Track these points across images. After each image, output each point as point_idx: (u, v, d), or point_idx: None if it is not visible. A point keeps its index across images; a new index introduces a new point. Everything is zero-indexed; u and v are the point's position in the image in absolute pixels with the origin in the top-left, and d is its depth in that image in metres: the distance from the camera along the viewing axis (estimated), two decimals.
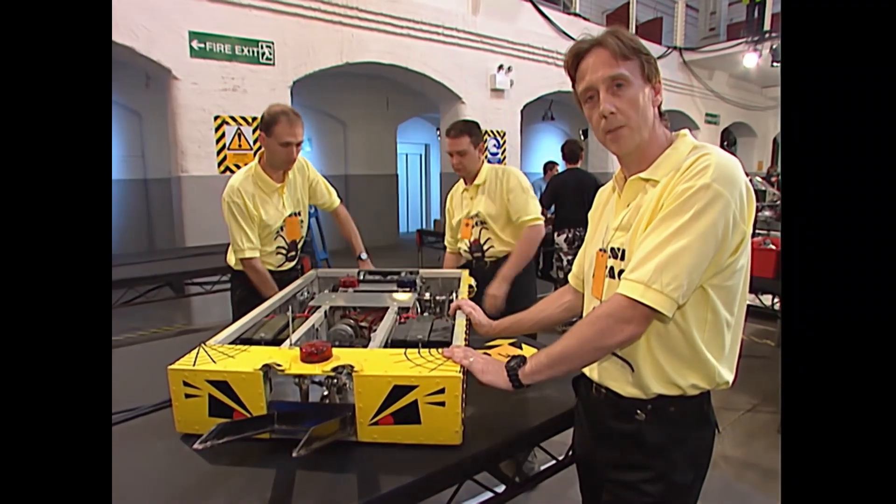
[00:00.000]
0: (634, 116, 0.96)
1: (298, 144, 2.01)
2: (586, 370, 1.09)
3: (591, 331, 0.95)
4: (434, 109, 7.41)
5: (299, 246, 2.26)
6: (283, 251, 2.20)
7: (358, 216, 8.74)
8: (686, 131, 1.03)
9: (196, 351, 1.16)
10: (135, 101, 6.57)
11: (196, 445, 0.84)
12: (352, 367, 1.04)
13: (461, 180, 2.33)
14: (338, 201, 2.45)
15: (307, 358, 1.08)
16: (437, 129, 9.28)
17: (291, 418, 1.07)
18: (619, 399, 1.02)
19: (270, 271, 2.14)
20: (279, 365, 1.06)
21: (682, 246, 0.87)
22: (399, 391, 1.02)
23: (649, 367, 0.98)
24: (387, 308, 1.53)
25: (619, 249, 1.00)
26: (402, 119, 9.50)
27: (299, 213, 2.22)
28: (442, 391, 1.02)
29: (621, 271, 0.97)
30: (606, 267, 1.03)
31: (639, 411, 0.99)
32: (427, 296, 1.73)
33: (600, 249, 1.06)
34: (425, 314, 1.65)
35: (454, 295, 1.72)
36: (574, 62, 1.00)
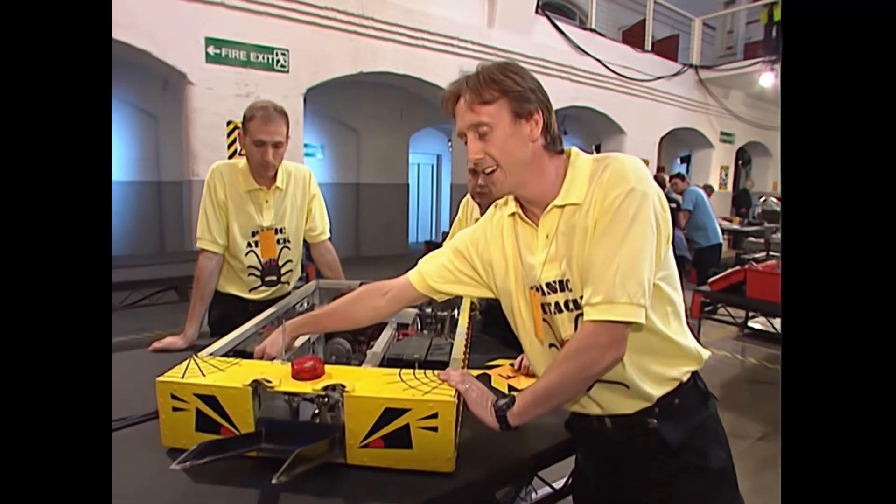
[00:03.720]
0: (504, 158, 0.97)
1: (276, 146, 1.74)
2: (582, 407, 1.05)
3: (572, 366, 0.93)
4: (447, 120, 7.40)
5: (282, 271, 1.96)
6: (257, 272, 1.90)
7: (368, 224, 8.71)
8: (573, 148, 1.04)
9: (187, 362, 1.14)
10: (151, 104, 6.65)
11: (174, 465, 0.81)
12: (343, 386, 1.00)
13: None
14: (327, 235, 2.10)
15: (298, 375, 1.05)
16: (449, 139, 9.30)
17: (280, 436, 1.03)
18: (629, 418, 1.00)
19: (241, 297, 1.91)
20: (269, 381, 1.03)
21: (632, 252, 0.89)
22: (391, 414, 0.98)
23: (642, 377, 0.98)
24: (385, 323, 1.49)
25: (557, 282, 0.99)
26: (415, 129, 9.53)
27: (282, 231, 1.91)
28: (435, 416, 0.98)
29: (573, 301, 0.98)
30: (546, 304, 1.02)
31: (649, 419, 0.99)
32: (429, 310, 1.69)
33: (532, 288, 1.03)
34: (424, 332, 1.61)
35: (456, 311, 1.68)
36: (450, 106, 1.02)
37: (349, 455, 1.02)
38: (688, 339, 1.02)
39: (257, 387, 1.03)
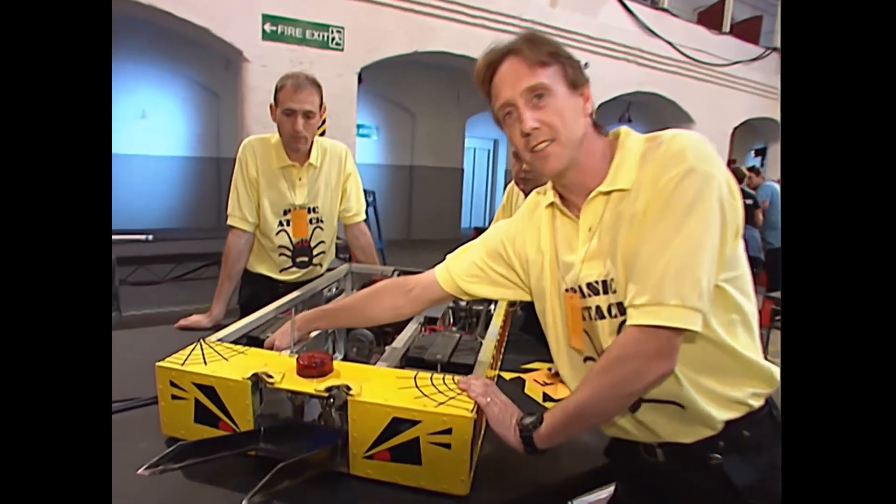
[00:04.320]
0: (562, 130, 0.82)
1: (307, 115, 1.62)
2: (626, 432, 0.89)
3: (610, 379, 0.78)
4: None
5: (314, 252, 1.87)
6: (288, 252, 1.82)
7: (421, 208, 8.66)
8: (623, 127, 0.88)
9: (192, 346, 1.06)
10: (214, 81, 6.79)
11: (141, 470, 0.72)
12: (348, 388, 0.89)
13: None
14: (363, 216, 1.99)
15: (303, 371, 0.95)
16: None
17: (280, 436, 0.94)
18: (686, 449, 0.84)
19: (271, 278, 1.83)
20: (270, 376, 0.93)
21: (688, 244, 0.74)
22: (398, 424, 0.87)
23: (701, 396, 0.81)
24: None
25: (599, 282, 0.84)
26: (472, 113, 9.33)
27: (314, 210, 1.83)
28: (448, 432, 0.85)
29: (617, 306, 0.82)
30: (585, 308, 0.87)
31: (712, 454, 0.82)
32: (462, 303, 1.56)
33: (568, 290, 0.88)
34: (453, 329, 1.48)
35: (493, 306, 1.54)
36: (487, 75, 0.86)
37: (352, 465, 0.91)
38: (759, 356, 0.85)
39: (258, 381, 0.94)
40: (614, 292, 0.83)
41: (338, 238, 2.00)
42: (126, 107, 6.46)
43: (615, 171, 0.84)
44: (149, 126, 6.67)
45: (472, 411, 0.86)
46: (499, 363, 1.22)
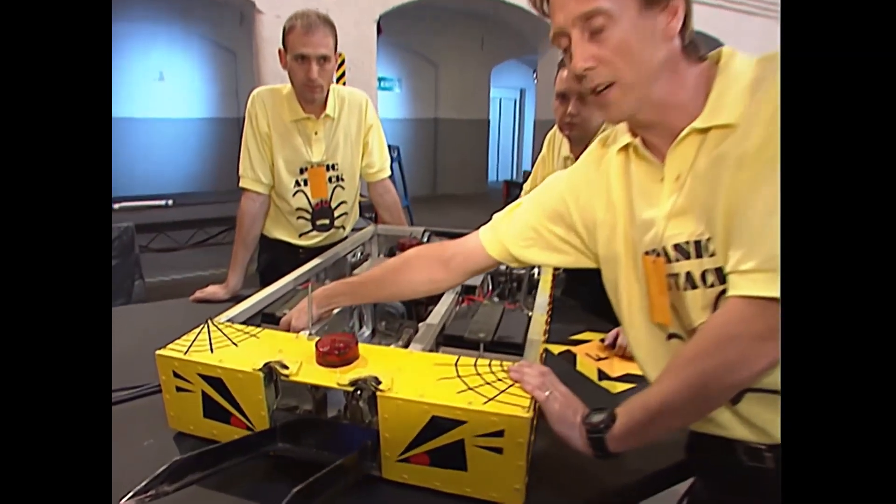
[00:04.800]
0: (626, 69, 0.65)
1: (322, 61, 1.43)
2: (724, 429, 0.71)
3: (708, 366, 0.61)
4: (532, 51, 6.79)
5: (335, 214, 1.70)
6: (307, 215, 1.66)
7: (446, 162, 8.45)
8: (726, 48, 0.68)
9: (199, 329, 0.92)
10: (229, 39, 6.57)
11: (126, 501, 0.58)
12: (377, 381, 0.74)
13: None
14: (387, 172, 1.81)
15: (324, 359, 0.80)
16: (535, 72, 8.60)
17: (299, 435, 0.80)
18: None
19: (290, 244, 1.68)
20: (284, 366, 0.79)
21: None
22: (439, 425, 0.72)
23: None
24: None
25: (690, 243, 0.67)
26: (497, 61, 8.90)
27: (334, 168, 1.64)
28: (499, 434, 0.70)
29: (714, 272, 0.65)
30: (672, 275, 0.70)
31: None
32: (502, 266, 1.38)
33: (649, 253, 0.72)
34: (494, 299, 1.31)
35: (536, 271, 1.36)
36: None
37: (384, 468, 0.77)
38: None
39: (271, 372, 0.79)
40: (711, 255, 0.65)
41: (362, 196, 1.83)
42: (143, 70, 6.32)
43: (715, 103, 0.64)
44: (166, 88, 6.53)
45: (528, 409, 0.70)
46: (547, 337, 1.06)
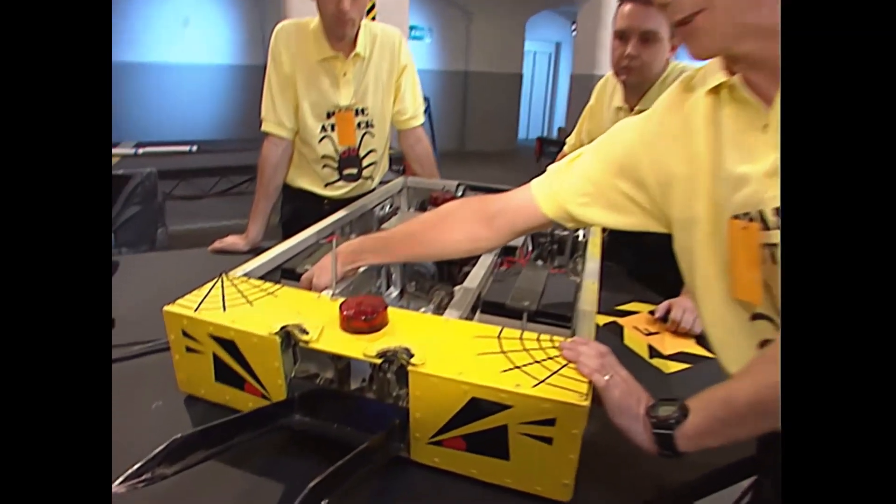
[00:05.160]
0: None
1: None
2: None
3: None
4: (569, 1, 6.39)
5: (364, 163, 1.57)
6: (333, 163, 1.54)
7: (476, 117, 8.22)
8: None
9: (211, 284, 0.84)
10: None
11: (116, 485, 0.50)
12: (409, 353, 0.64)
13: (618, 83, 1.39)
14: (420, 120, 1.66)
15: (348, 324, 0.70)
16: (573, 23, 8.17)
17: (319, 408, 0.71)
18: None
19: (315, 194, 1.57)
20: (304, 331, 0.70)
21: None
22: (480, 407, 0.62)
23: None
24: None
25: None
26: (533, 12, 8.46)
27: (363, 112, 1.51)
28: (550, 423, 0.59)
29: None
30: (768, 245, 0.58)
31: None
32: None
33: (739, 216, 0.60)
34: (538, 262, 1.19)
35: (582, 233, 1.24)
36: None
37: (413, 449, 0.68)
38: None
39: (289, 336, 0.70)
40: None
41: (390, 148, 1.71)
42: (168, 15, 6.16)
43: None
44: (192, 34, 6.37)
45: (585, 397, 0.59)
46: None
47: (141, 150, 3.00)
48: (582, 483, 0.64)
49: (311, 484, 0.47)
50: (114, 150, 2.95)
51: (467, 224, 0.82)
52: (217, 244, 1.45)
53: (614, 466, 0.71)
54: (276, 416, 0.68)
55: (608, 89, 1.49)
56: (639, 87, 1.33)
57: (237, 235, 1.47)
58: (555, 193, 0.76)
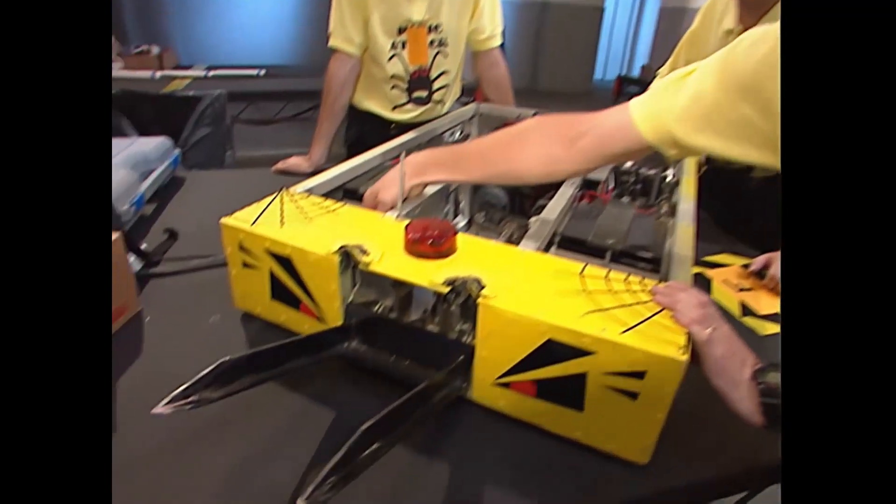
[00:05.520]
0: None
1: None
2: None
3: None
4: None
5: (434, 86, 1.46)
6: (402, 84, 1.44)
7: (550, 53, 7.76)
8: None
9: (271, 198, 0.79)
10: None
11: (158, 408, 0.46)
12: (479, 285, 0.57)
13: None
14: (499, 41, 1.52)
15: (413, 247, 0.64)
16: None
17: (377, 337, 0.67)
18: None
19: (382, 117, 1.48)
20: (364, 252, 0.64)
21: None
22: (557, 351, 0.54)
23: None
24: None
25: None
26: None
27: (437, 29, 1.39)
28: (639, 375, 0.51)
29: None
30: None
31: None
32: (628, 164, 1.13)
33: None
34: (624, 198, 1.08)
35: (670, 172, 1.10)
36: None
37: (476, 390, 0.62)
38: None
39: (348, 257, 0.64)
40: None
41: (462, 79, 1.59)
42: None
43: None
44: None
45: (683, 349, 0.50)
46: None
47: (211, 73, 3.00)
48: (659, 446, 0.56)
49: (364, 427, 0.42)
50: (185, 73, 2.97)
51: (547, 144, 0.71)
52: (280, 165, 1.41)
53: (698, 432, 0.62)
54: (330, 343, 0.64)
55: (717, 9, 1.29)
56: (759, 4, 1.14)
57: (300, 157, 1.42)
58: (658, 114, 0.64)
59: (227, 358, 0.51)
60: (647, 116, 0.65)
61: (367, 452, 0.42)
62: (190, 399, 0.48)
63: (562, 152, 0.70)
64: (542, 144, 0.71)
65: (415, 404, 0.50)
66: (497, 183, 0.97)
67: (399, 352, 0.65)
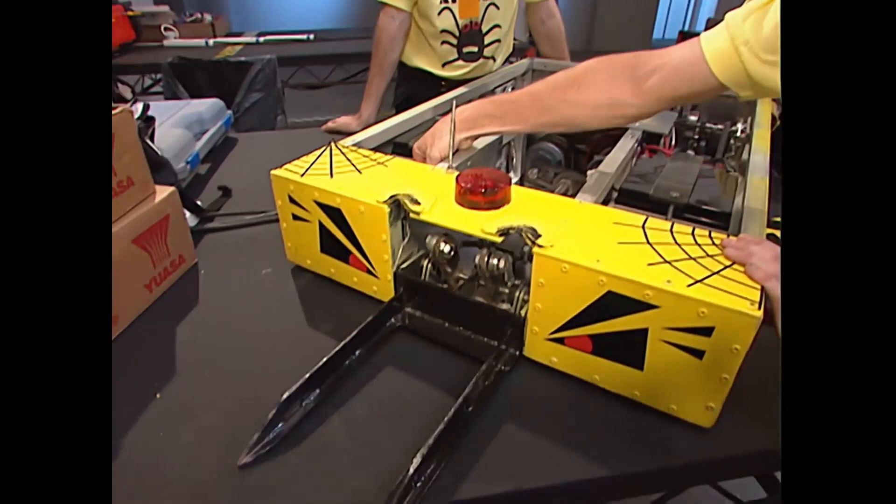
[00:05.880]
0: None
1: None
2: None
3: None
4: None
5: (486, 41, 1.40)
6: (452, 39, 1.39)
7: (607, 11, 7.39)
8: None
9: (320, 151, 0.78)
10: None
11: (242, 459, 0.50)
12: (535, 234, 0.54)
13: None
14: None
15: (465, 198, 0.61)
16: None
17: (428, 301, 0.65)
18: None
19: (432, 74, 1.43)
20: (415, 202, 0.62)
21: None
22: (617, 304, 0.51)
23: None
24: (624, 129, 0.93)
25: None
26: None
27: None
28: (706, 332, 0.48)
29: None
30: None
31: None
32: (693, 118, 1.06)
33: None
34: (689, 152, 1.01)
35: (740, 125, 1.02)
36: None
37: (528, 345, 0.60)
38: None
39: (399, 206, 0.63)
40: None
41: (514, 39, 1.53)
42: None
43: None
44: None
45: (758, 305, 0.46)
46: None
47: (262, 39, 3.02)
48: (725, 410, 0.53)
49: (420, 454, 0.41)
50: (237, 39, 2.99)
51: (609, 84, 0.66)
52: (330, 123, 1.41)
53: (768, 400, 0.58)
54: (382, 322, 0.64)
55: None
56: None
57: (350, 116, 1.41)
58: (731, 49, 0.58)
59: (285, 395, 0.51)
60: (719, 52, 0.59)
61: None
62: (265, 442, 0.51)
63: (626, 94, 0.65)
64: (604, 86, 0.67)
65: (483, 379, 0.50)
66: (553, 131, 0.92)
67: (450, 319, 0.64)
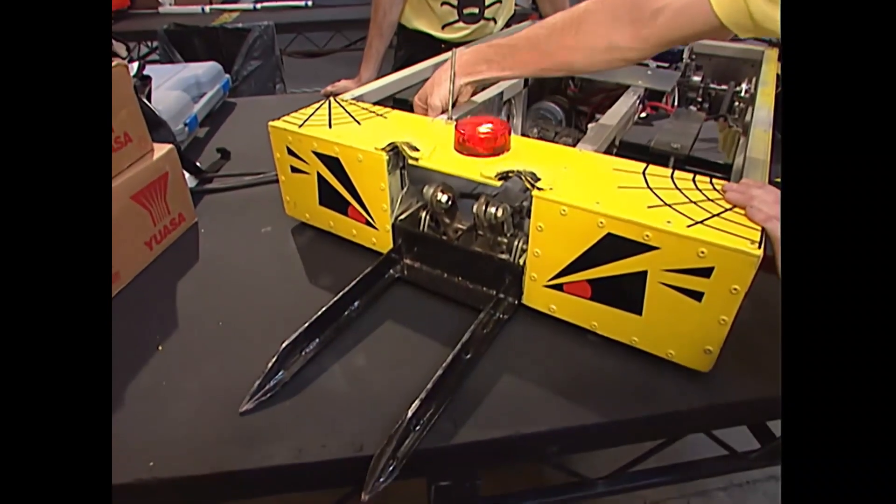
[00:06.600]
0: None
1: None
2: None
3: None
4: None
5: (487, 2, 1.38)
6: (452, 1, 1.38)
7: None
8: None
9: (319, 104, 0.77)
10: None
11: (244, 406, 0.51)
12: (534, 178, 0.54)
13: None
14: None
15: (464, 146, 0.61)
16: None
17: (426, 252, 0.65)
18: None
19: (432, 36, 1.41)
20: (414, 149, 0.61)
21: None
22: (616, 246, 0.51)
23: None
24: (626, 87, 0.92)
25: None
26: None
27: None
28: (705, 273, 0.48)
29: None
30: None
31: None
32: (696, 79, 1.04)
33: None
34: (691, 108, 1.00)
35: (744, 86, 1.01)
36: None
37: (527, 293, 0.60)
38: None
39: (397, 153, 0.62)
40: None
41: (516, 5, 1.50)
42: None
43: None
44: None
45: (757, 244, 0.46)
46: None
47: (259, 5, 2.97)
48: (723, 355, 0.53)
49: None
50: (234, 6, 2.95)
51: (608, 27, 0.64)
52: (329, 87, 1.39)
53: (767, 345, 0.58)
54: (381, 273, 0.64)
55: None
56: None
57: (349, 79, 1.39)
58: None
59: (286, 343, 0.51)
60: None
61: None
62: (266, 389, 0.51)
63: (626, 36, 0.64)
64: (603, 30, 0.65)
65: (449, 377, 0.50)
66: (552, 75, 0.90)
67: (449, 270, 0.64)
